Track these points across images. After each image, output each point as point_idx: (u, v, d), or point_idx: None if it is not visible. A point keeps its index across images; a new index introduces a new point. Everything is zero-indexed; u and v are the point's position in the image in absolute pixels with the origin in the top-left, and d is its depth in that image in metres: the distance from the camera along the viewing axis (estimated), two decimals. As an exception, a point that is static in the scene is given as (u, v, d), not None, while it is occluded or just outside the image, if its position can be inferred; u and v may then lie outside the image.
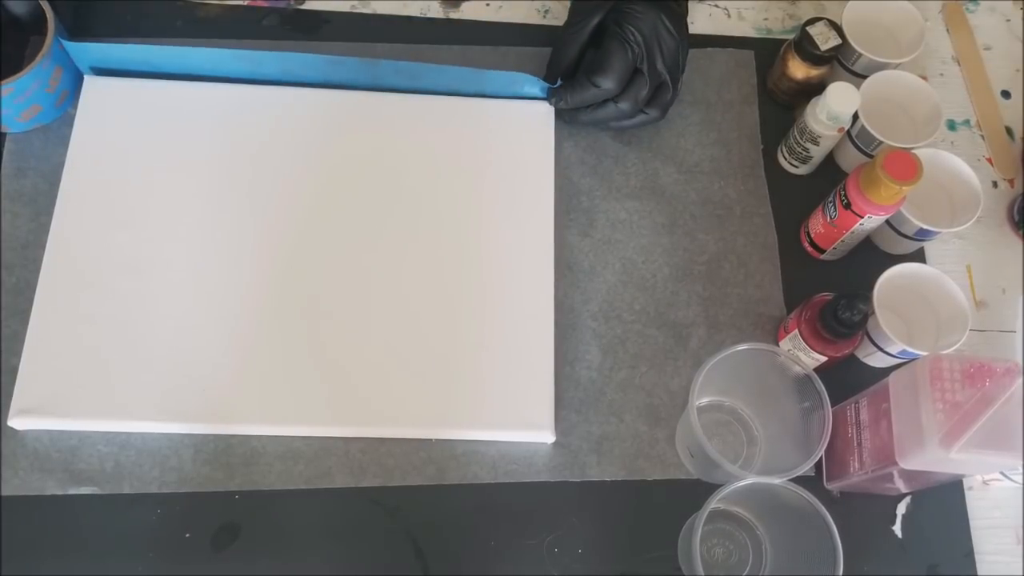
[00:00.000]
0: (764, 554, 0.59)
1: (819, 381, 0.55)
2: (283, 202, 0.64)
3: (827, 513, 0.51)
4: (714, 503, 0.51)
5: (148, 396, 0.57)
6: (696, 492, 0.56)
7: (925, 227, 0.63)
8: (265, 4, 0.73)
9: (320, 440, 0.59)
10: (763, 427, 0.62)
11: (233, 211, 0.63)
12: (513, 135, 0.68)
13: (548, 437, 0.60)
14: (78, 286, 0.60)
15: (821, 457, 0.60)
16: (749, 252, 0.68)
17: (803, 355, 0.61)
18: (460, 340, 0.61)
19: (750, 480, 0.52)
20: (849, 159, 0.70)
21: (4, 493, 0.56)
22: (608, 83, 0.63)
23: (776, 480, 0.52)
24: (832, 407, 0.54)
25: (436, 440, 0.60)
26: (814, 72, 0.69)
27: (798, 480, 0.52)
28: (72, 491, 0.56)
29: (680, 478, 0.60)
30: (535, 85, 0.68)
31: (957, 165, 0.66)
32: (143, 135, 0.65)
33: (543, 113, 0.69)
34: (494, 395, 0.60)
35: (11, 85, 0.60)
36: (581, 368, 0.63)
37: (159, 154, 0.64)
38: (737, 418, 0.63)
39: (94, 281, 0.60)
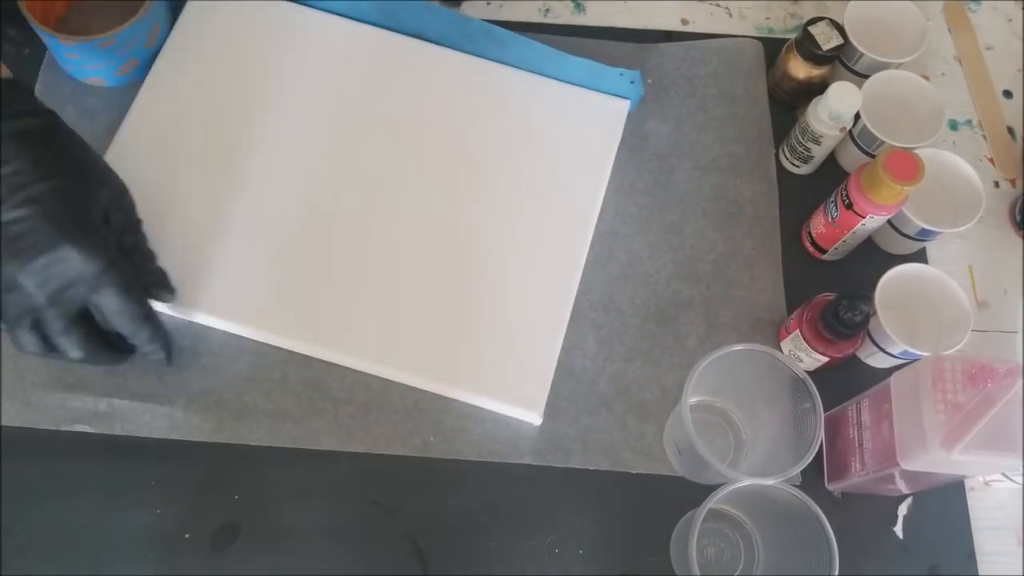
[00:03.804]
0: (756, 552, 0.58)
1: (812, 384, 0.54)
2: (338, 136, 0.67)
3: (819, 511, 0.50)
4: (711, 504, 0.51)
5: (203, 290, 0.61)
6: (697, 492, 0.55)
7: (927, 227, 0.63)
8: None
9: (311, 402, 0.60)
10: (752, 430, 0.61)
11: (291, 137, 0.67)
12: (582, 122, 0.69)
13: (536, 419, 0.60)
14: (144, 180, 0.61)
15: (823, 458, 0.61)
16: (757, 255, 0.67)
17: (804, 355, 0.61)
18: (477, 305, 0.63)
19: (746, 482, 0.51)
20: (851, 159, 0.70)
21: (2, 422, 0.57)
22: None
23: (769, 481, 0.52)
24: (833, 408, 0.54)
25: (426, 408, 0.60)
26: (816, 72, 0.69)
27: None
28: (65, 428, 0.58)
29: (676, 475, 0.60)
30: (615, 77, 0.68)
31: (959, 165, 0.66)
32: (231, 56, 0.69)
33: (616, 109, 0.69)
34: (495, 364, 0.61)
35: (113, 37, 0.62)
36: (576, 356, 0.63)
37: (241, 73, 0.68)
38: (726, 420, 0.62)
39: (159, 179, 0.64)
